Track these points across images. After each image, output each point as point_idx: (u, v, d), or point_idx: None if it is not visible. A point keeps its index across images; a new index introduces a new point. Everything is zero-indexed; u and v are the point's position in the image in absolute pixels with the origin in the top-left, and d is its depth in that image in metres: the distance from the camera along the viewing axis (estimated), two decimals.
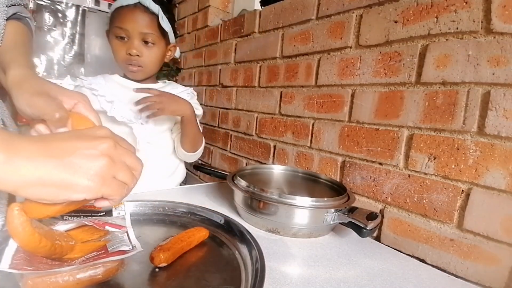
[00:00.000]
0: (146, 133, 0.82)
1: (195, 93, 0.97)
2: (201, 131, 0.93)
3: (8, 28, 0.52)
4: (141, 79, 0.86)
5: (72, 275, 0.35)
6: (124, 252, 0.39)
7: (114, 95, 0.79)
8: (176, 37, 0.90)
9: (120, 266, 0.39)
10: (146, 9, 0.78)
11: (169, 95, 0.79)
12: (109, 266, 0.37)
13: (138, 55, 0.79)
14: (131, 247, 0.40)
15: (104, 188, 0.30)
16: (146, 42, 0.80)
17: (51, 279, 0.34)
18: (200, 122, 0.93)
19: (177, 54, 0.94)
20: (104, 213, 0.50)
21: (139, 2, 0.78)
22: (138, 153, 0.81)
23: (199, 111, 0.93)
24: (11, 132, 0.31)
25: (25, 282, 0.33)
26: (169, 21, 0.83)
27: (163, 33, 0.82)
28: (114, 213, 0.51)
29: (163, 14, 0.80)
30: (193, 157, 0.91)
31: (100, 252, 0.39)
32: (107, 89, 0.80)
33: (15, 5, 0.55)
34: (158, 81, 0.96)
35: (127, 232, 0.45)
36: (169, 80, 1.17)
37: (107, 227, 0.44)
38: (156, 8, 0.79)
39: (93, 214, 0.49)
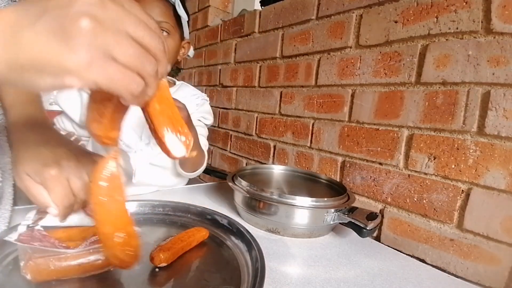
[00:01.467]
0: (147, 156, 0.74)
1: (208, 99, 0.88)
2: (206, 147, 0.85)
3: None
4: None
5: (74, 258, 0.35)
6: None
7: None
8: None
9: None
10: None
11: None
12: None
13: None
14: None
15: (93, 70, 0.20)
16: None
17: (52, 261, 0.35)
18: None
19: (190, 53, 0.84)
20: None
21: None
22: (133, 186, 0.72)
23: (208, 120, 0.86)
24: None
25: (26, 263, 0.34)
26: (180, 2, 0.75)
27: (179, 23, 0.75)
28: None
29: (179, 2, 0.73)
30: (193, 175, 0.85)
31: None
32: None
33: None
34: (167, 78, 0.88)
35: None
36: None
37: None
38: None
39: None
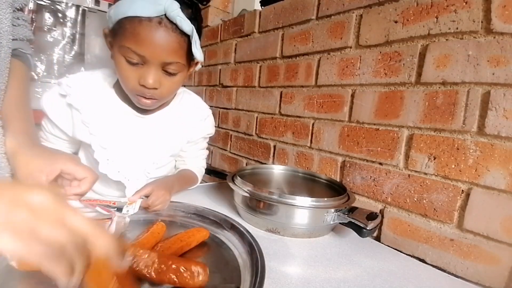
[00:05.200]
0: (143, 184, 0.65)
1: (210, 111, 0.79)
2: (205, 154, 0.84)
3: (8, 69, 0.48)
4: (153, 108, 0.66)
5: None
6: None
7: (109, 134, 0.63)
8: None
9: None
10: (175, 29, 0.53)
11: (163, 189, 0.60)
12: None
13: (155, 88, 0.57)
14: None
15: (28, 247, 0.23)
16: (168, 73, 0.57)
17: None
18: None
19: (197, 68, 0.68)
20: (116, 208, 0.55)
21: (165, 15, 0.52)
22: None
23: (211, 134, 0.81)
24: None
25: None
26: (198, 31, 0.57)
27: (191, 59, 0.59)
28: (124, 210, 0.55)
29: (197, 37, 0.56)
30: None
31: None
32: (100, 120, 0.62)
33: (17, 39, 0.50)
34: None
35: (111, 220, 0.47)
36: None
37: (98, 208, 0.50)
38: (189, 27, 0.53)
39: (107, 206, 0.54)
